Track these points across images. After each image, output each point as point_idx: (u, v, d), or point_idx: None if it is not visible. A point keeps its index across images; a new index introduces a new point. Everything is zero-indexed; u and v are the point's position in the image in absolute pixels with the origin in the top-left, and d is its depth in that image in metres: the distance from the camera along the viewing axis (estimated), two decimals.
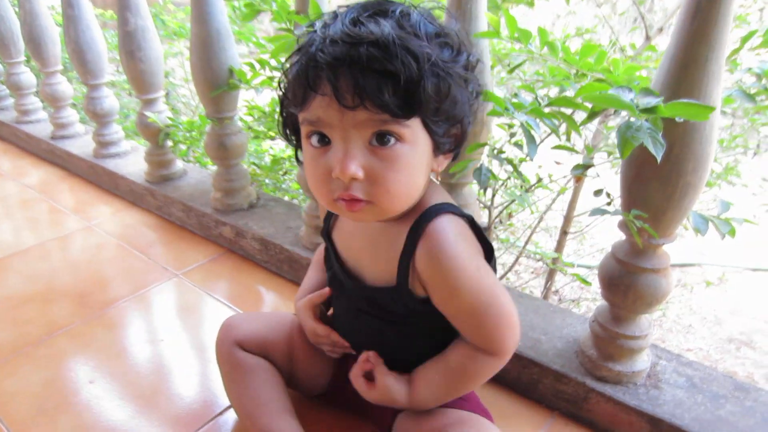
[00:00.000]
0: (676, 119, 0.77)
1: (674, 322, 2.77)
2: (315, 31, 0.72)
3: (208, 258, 1.67)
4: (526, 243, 1.99)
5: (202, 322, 1.38)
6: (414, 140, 0.72)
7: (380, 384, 0.89)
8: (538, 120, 0.84)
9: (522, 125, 0.85)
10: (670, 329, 2.73)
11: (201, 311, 1.43)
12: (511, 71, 1.32)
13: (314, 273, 1.08)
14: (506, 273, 2.00)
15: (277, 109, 0.85)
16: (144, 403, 1.12)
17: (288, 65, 0.77)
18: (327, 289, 0.98)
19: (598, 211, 0.90)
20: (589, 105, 0.86)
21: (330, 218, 0.97)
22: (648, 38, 1.85)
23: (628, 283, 0.95)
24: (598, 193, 1.01)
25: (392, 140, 0.71)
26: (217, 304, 1.45)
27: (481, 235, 0.84)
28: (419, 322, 0.88)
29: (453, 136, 0.79)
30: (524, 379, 1.12)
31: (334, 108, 0.69)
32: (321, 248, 1.07)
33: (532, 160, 0.91)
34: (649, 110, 0.69)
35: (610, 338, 1.02)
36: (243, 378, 1.00)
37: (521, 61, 1.25)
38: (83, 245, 1.77)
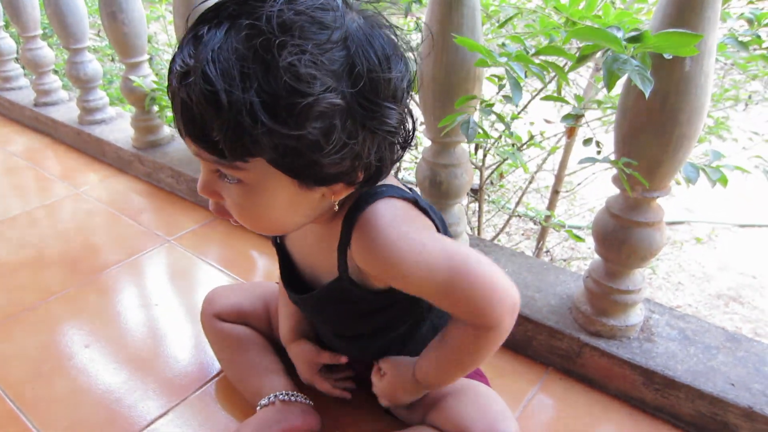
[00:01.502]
0: (665, 56, 0.76)
1: (664, 280, 2.80)
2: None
3: (200, 223, 1.66)
4: (517, 204, 1.99)
5: (195, 287, 1.38)
6: (257, 183, 0.62)
7: (388, 365, 0.88)
8: (522, 66, 0.83)
9: (508, 72, 0.84)
10: (660, 287, 2.76)
11: (194, 276, 1.43)
12: (502, 26, 1.31)
13: (290, 310, 1.00)
14: (497, 235, 2.00)
15: None
16: (139, 367, 1.12)
17: None
18: (344, 358, 0.94)
19: (588, 160, 0.89)
20: (576, 56, 0.85)
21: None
22: None
23: (622, 237, 0.95)
24: (587, 142, 1.01)
25: (233, 179, 0.62)
26: (209, 268, 1.45)
27: (426, 213, 0.75)
28: (385, 307, 0.82)
29: (335, 174, 0.63)
30: (518, 336, 1.13)
31: (188, 139, 0.61)
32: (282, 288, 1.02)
33: (516, 105, 0.91)
34: (634, 39, 0.67)
35: (604, 293, 1.03)
36: (228, 346, 1.03)
37: (511, 15, 1.23)
38: (72, 212, 1.75)
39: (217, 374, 1.10)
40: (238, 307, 1.07)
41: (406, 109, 0.65)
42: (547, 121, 1.71)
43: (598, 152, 0.95)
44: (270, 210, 0.65)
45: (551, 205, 1.84)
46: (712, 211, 3.26)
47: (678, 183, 1.05)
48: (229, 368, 1.04)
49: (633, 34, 0.69)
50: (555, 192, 1.82)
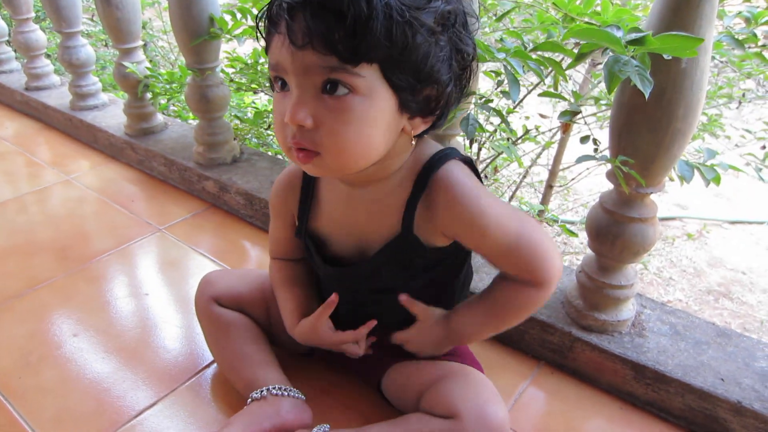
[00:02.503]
0: (665, 56, 0.75)
1: (655, 275, 2.81)
2: None
3: (192, 213, 1.65)
4: (511, 198, 1.99)
5: (186, 277, 1.37)
6: (369, 93, 0.66)
7: (423, 312, 0.87)
8: (520, 62, 0.82)
9: (506, 68, 0.83)
10: (651, 282, 2.78)
11: (185, 266, 1.42)
12: (499, 20, 1.30)
13: (291, 293, 0.99)
14: None
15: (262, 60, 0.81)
16: (129, 356, 1.12)
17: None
18: (334, 296, 0.89)
19: (585, 158, 0.89)
20: (575, 52, 0.84)
21: (306, 210, 0.91)
22: None
23: (615, 232, 0.95)
24: (584, 140, 1.00)
25: (344, 90, 0.66)
26: (201, 258, 1.44)
27: (478, 175, 0.83)
28: (434, 265, 0.86)
29: (426, 97, 0.71)
30: (510, 330, 1.12)
31: (287, 48, 0.65)
32: (279, 268, 1.02)
33: (514, 102, 0.90)
34: (635, 42, 0.67)
35: (597, 288, 1.02)
36: (223, 333, 1.00)
37: (508, 9, 1.22)
38: (62, 199, 1.73)
39: (208, 365, 1.09)
40: (236, 291, 1.04)
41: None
42: (542, 116, 1.71)
43: (596, 150, 0.95)
44: (371, 128, 0.68)
45: (545, 200, 1.84)
46: (704, 207, 3.28)
47: (671, 179, 1.04)
48: (221, 356, 1.02)
49: (633, 36, 0.68)
50: (549, 186, 1.82)
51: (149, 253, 1.47)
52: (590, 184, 2.68)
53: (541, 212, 1.75)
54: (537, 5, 1.12)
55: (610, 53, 0.70)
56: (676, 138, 0.85)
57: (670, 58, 0.77)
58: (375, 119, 0.68)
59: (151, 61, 3.28)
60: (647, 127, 0.85)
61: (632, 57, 0.69)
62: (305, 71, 0.65)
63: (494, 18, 1.34)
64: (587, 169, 1.80)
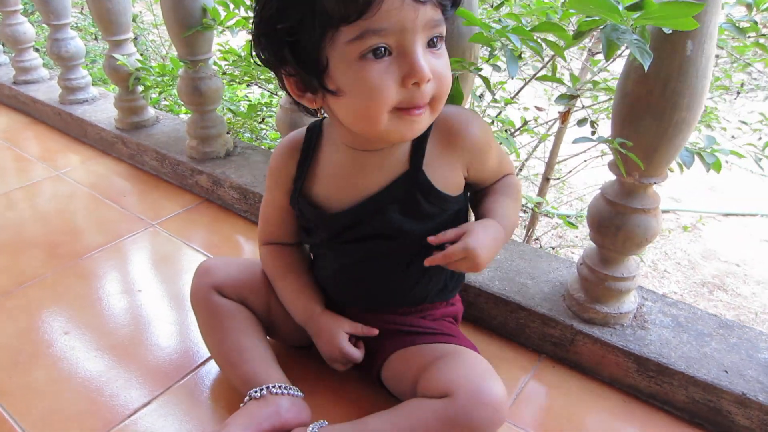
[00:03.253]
0: (664, 31, 0.73)
1: (650, 268, 2.81)
2: None
3: (185, 207, 1.62)
4: None
5: (180, 273, 1.34)
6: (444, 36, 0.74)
7: (459, 229, 0.81)
8: (519, 38, 0.80)
9: (504, 45, 0.82)
10: (646, 275, 2.77)
11: (179, 261, 1.39)
12: (497, 8, 1.27)
13: (291, 281, 0.99)
14: None
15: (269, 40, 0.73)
16: (122, 354, 1.09)
17: None
18: (375, 330, 0.94)
19: (583, 139, 0.87)
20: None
21: (303, 175, 0.90)
22: None
23: (618, 223, 0.94)
24: (582, 122, 0.98)
25: (440, 43, 0.72)
26: (195, 254, 1.41)
27: None
28: (438, 213, 0.87)
29: None
30: (511, 324, 1.11)
31: (410, 6, 0.65)
32: (273, 257, 1.00)
33: (512, 77, 0.88)
34: (635, 6, 0.64)
35: (598, 280, 1.01)
36: (222, 324, 0.97)
37: None
38: (52, 194, 1.70)
39: (203, 362, 1.07)
40: (238, 280, 1.00)
41: None
42: (539, 108, 1.69)
43: (593, 132, 0.93)
44: None
45: (542, 192, 1.82)
46: (698, 200, 3.28)
47: (671, 170, 1.03)
48: (218, 350, 0.98)
49: (633, 2, 0.66)
50: (546, 179, 1.80)
51: (141, 248, 1.44)
52: (585, 177, 2.67)
53: (539, 204, 1.74)
54: None
55: (609, 23, 0.68)
56: (680, 127, 0.83)
57: (671, 33, 0.75)
58: None
59: (142, 54, 3.24)
60: (651, 116, 0.83)
61: (631, 30, 0.67)
62: (425, 27, 0.68)
63: (491, 8, 1.32)
64: (585, 161, 1.79)
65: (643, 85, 0.82)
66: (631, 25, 0.66)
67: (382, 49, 0.67)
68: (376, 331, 0.93)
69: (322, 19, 0.66)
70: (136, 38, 3.30)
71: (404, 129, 0.74)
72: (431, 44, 0.70)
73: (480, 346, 1.00)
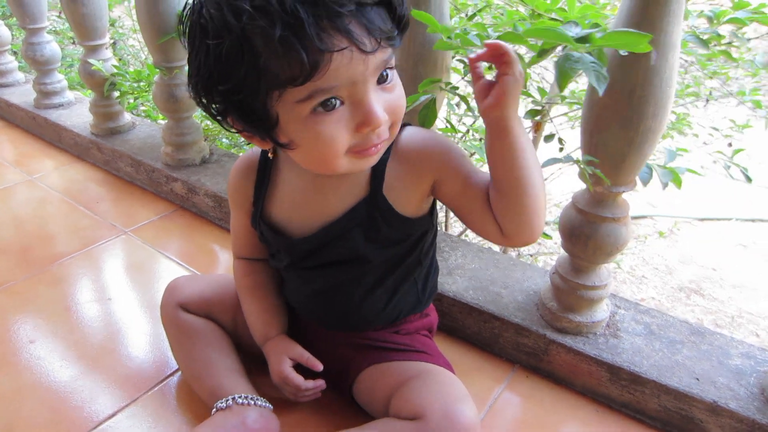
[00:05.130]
0: (621, 53, 0.74)
1: (628, 274, 2.82)
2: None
3: (159, 215, 1.60)
4: None
5: (152, 281, 1.32)
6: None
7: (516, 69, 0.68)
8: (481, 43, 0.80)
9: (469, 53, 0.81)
10: (624, 281, 2.79)
11: (151, 270, 1.37)
12: (471, 18, 1.27)
13: (257, 301, 0.97)
14: (465, 230, 1.98)
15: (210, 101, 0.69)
16: (90, 364, 1.07)
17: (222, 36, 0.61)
18: (319, 365, 0.90)
19: (551, 161, 0.87)
20: (538, 45, 0.82)
21: (262, 196, 0.88)
22: None
23: (588, 232, 0.94)
24: (549, 138, 0.98)
25: (390, 73, 0.69)
26: (168, 262, 1.39)
27: None
28: (401, 240, 0.86)
29: None
30: (485, 334, 1.11)
31: (358, 60, 0.62)
32: (244, 272, 0.99)
33: None
34: (582, 39, 0.65)
35: (571, 289, 1.01)
36: (189, 340, 0.97)
37: (480, 7, 1.21)
38: (25, 199, 1.67)
39: (172, 373, 1.05)
40: (203, 296, 1.01)
41: None
42: None
43: (561, 149, 0.93)
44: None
45: None
46: (674, 205, 3.31)
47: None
48: (186, 364, 0.99)
49: (585, 32, 0.66)
50: None
51: (114, 256, 1.42)
52: (563, 184, 2.69)
53: None
54: (508, 4, 1.11)
55: (563, 52, 0.68)
56: (647, 136, 0.83)
57: (626, 54, 0.76)
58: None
59: (120, 59, 3.21)
60: (618, 125, 0.83)
61: (589, 53, 0.67)
62: (374, 71, 0.66)
63: (465, 17, 1.32)
64: (559, 168, 1.79)
65: (609, 95, 0.82)
66: (588, 49, 0.66)
67: (333, 100, 0.65)
68: (319, 367, 0.90)
69: (268, 80, 0.63)
70: (114, 43, 3.27)
71: (362, 164, 0.73)
72: (382, 79, 0.68)
73: (454, 357, 0.99)
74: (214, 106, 0.70)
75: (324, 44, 0.59)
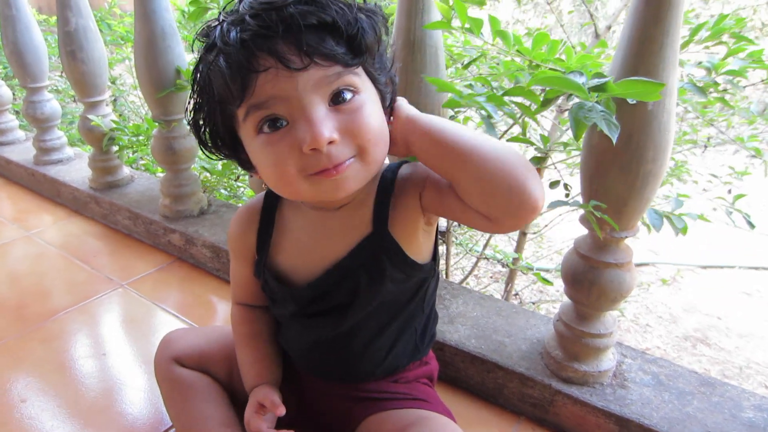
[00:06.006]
0: (629, 101, 0.74)
1: (632, 322, 2.79)
2: (217, 24, 0.68)
3: (157, 267, 1.59)
4: (485, 246, 1.97)
5: (148, 335, 1.30)
6: (365, 89, 0.70)
7: None
8: (495, 106, 0.81)
9: (480, 114, 0.82)
10: (628, 329, 2.75)
11: (148, 323, 1.35)
12: (466, 68, 1.30)
13: (252, 350, 0.95)
14: (466, 278, 1.97)
15: (198, 130, 0.76)
16: (83, 423, 1.04)
17: (197, 74, 0.72)
18: (282, 409, 0.86)
19: (557, 204, 0.87)
20: (541, 97, 0.83)
21: (266, 244, 0.88)
22: (597, 36, 1.85)
23: (591, 278, 0.92)
24: (554, 184, 0.98)
25: (349, 95, 0.68)
26: (165, 315, 1.37)
27: None
28: (402, 280, 0.82)
29: (388, 86, 0.76)
30: (489, 384, 1.08)
31: (285, 77, 0.64)
32: (242, 319, 0.97)
33: None
34: (598, 88, 0.66)
35: (575, 337, 0.99)
36: (182, 395, 0.95)
37: (475, 57, 1.23)
38: (21, 256, 1.66)
39: (166, 430, 1.02)
40: (198, 350, 0.99)
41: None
42: None
43: (567, 195, 0.93)
44: (381, 117, 0.71)
45: (519, 247, 1.82)
46: (676, 252, 3.29)
47: (646, 225, 1.03)
48: (179, 420, 0.95)
49: (596, 81, 0.67)
50: (523, 234, 1.80)
51: (110, 310, 1.40)
52: (564, 230, 2.68)
53: (515, 260, 1.73)
54: (503, 54, 1.13)
55: (576, 99, 0.69)
56: (647, 180, 0.83)
57: (635, 102, 0.77)
58: (380, 112, 0.72)
59: (120, 115, 3.25)
60: (618, 170, 0.83)
61: (597, 102, 0.68)
62: (314, 88, 0.66)
63: (461, 66, 1.34)
64: (560, 215, 1.79)
65: (607, 141, 0.82)
66: (597, 98, 0.67)
67: (274, 120, 0.67)
68: (280, 411, 0.86)
69: (220, 104, 0.70)
70: (115, 100, 3.32)
71: (329, 189, 0.69)
72: (337, 100, 0.67)
73: (457, 408, 0.96)
74: (202, 134, 0.76)
75: (251, 65, 0.64)
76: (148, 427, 1.03)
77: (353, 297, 0.83)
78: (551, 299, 2.65)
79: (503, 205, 0.67)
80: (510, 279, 1.91)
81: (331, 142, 0.66)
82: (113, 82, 3.05)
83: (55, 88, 3.30)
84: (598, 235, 0.89)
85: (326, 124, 0.65)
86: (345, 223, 0.81)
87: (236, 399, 0.99)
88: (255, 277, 0.91)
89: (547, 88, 0.80)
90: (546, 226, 1.95)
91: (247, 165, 0.76)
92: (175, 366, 0.97)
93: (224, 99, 0.69)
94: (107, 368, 1.18)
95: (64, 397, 1.10)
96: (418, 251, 0.82)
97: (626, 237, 0.90)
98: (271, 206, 0.88)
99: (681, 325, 2.84)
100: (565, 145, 1.00)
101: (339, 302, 0.84)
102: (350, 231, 0.81)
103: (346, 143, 0.67)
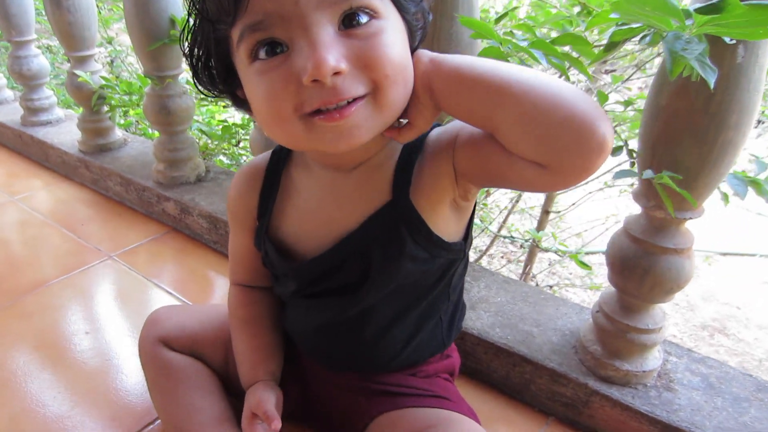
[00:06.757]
0: (726, 40, 0.60)
1: None
2: None
3: (149, 237, 1.46)
4: (502, 225, 1.84)
5: (137, 313, 1.18)
6: (388, 16, 0.56)
7: None
8: (544, 54, 0.67)
9: (523, 64, 0.68)
10: None
11: (138, 299, 1.23)
12: (498, 20, 1.15)
13: (250, 338, 0.84)
14: (481, 257, 1.84)
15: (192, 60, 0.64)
16: (57, 413, 0.92)
17: None
18: (277, 423, 0.74)
19: (624, 174, 0.73)
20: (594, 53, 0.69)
21: (269, 208, 0.76)
22: None
23: (646, 266, 0.79)
24: (616, 150, 0.84)
25: (365, 18, 0.54)
26: (156, 290, 1.25)
27: None
28: (425, 260, 0.69)
29: (420, 20, 0.62)
30: (514, 379, 0.96)
31: None
32: (240, 302, 0.86)
33: None
34: (709, 10, 0.50)
35: (619, 332, 0.86)
36: (170, 382, 0.82)
37: (507, 10, 1.08)
38: (4, 223, 1.54)
39: (152, 421, 0.91)
40: (190, 330, 0.87)
41: None
42: None
43: (633, 164, 0.79)
44: (405, 52, 0.58)
45: (541, 226, 1.69)
46: (695, 238, 3.18)
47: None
48: (166, 412, 0.83)
49: (701, 4, 0.52)
50: (545, 212, 1.67)
51: (96, 283, 1.28)
52: (580, 212, 2.56)
53: (535, 241, 1.60)
54: (542, 4, 0.98)
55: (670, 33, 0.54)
56: (725, 150, 0.70)
57: (732, 41, 0.62)
58: (404, 45, 0.58)
59: (117, 78, 3.11)
60: (691, 137, 0.69)
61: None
62: (319, 4, 0.52)
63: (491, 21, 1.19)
64: (589, 192, 1.66)
65: (681, 99, 0.68)
66: (694, 32, 0.53)
67: (273, 45, 0.54)
68: (275, 426, 0.73)
69: (212, 24, 0.58)
70: (112, 62, 3.18)
71: (330, 138, 0.56)
72: (349, 23, 0.54)
73: (477, 404, 0.84)
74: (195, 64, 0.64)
75: None
76: (131, 420, 0.91)
77: (364, 277, 0.70)
78: (568, 283, 2.54)
79: (561, 142, 0.51)
80: (529, 260, 1.78)
81: (337, 73, 0.52)
82: (110, 42, 2.89)
83: (47, 45, 3.14)
84: (658, 215, 0.75)
85: (332, 49, 0.52)
86: (360, 188, 0.68)
87: (232, 388, 0.87)
88: (256, 249, 0.79)
89: (611, 31, 0.66)
90: (574, 204, 1.81)
91: (242, 104, 0.64)
92: (162, 348, 0.85)
93: (215, 17, 0.57)
94: (88, 349, 1.07)
95: (43, 379, 0.98)
96: (446, 228, 0.69)
97: (689, 218, 0.77)
98: (277, 165, 0.75)
99: (699, 313, 2.74)
100: (627, 103, 0.86)
101: (347, 282, 0.72)
102: (365, 197, 0.68)
103: (356, 76, 0.54)
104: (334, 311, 0.75)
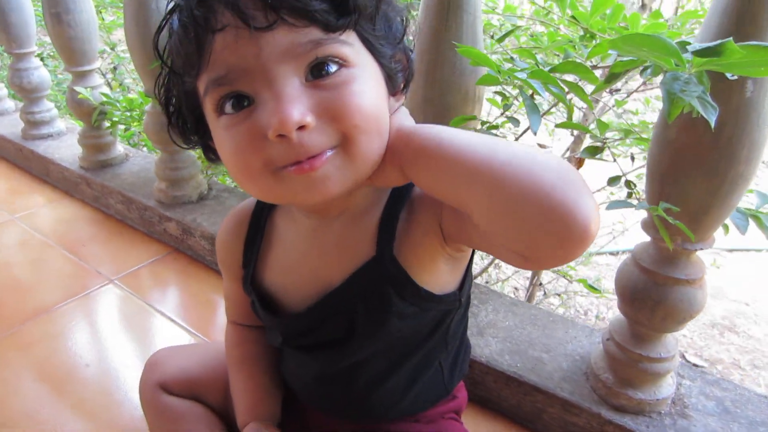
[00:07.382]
0: (728, 76, 0.58)
1: None
2: None
3: (150, 259, 1.45)
4: None
5: (139, 342, 1.17)
6: (360, 63, 0.54)
7: None
8: (542, 84, 0.65)
9: (522, 92, 0.66)
10: None
11: (139, 327, 1.21)
12: (500, 41, 1.13)
13: (246, 378, 0.81)
14: (488, 266, 1.82)
15: (165, 110, 0.62)
16: None
17: (157, 37, 0.57)
18: None
19: (619, 204, 0.71)
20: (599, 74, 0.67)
21: (253, 257, 0.73)
22: (644, 6, 1.66)
23: (656, 297, 0.77)
24: (614, 181, 0.82)
25: (334, 67, 0.51)
26: (158, 318, 1.23)
27: None
28: (413, 315, 0.66)
29: (400, 62, 0.60)
30: (525, 408, 0.94)
31: (246, 40, 0.49)
32: (237, 342, 0.84)
33: (535, 134, 0.72)
34: (706, 52, 0.48)
35: (630, 361, 0.84)
36: (170, 426, 0.81)
37: (512, 28, 1.06)
38: (3, 245, 1.52)
39: None
40: (188, 373, 0.86)
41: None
42: (542, 146, 1.54)
43: (630, 194, 0.77)
44: (379, 101, 0.55)
45: None
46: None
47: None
48: None
49: (699, 46, 0.50)
50: None
51: (96, 311, 1.26)
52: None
53: None
54: (551, 23, 0.96)
55: (669, 72, 0.52)
56: (736, 184, 0.67)
57: (734, 77, 0.60)
58: (378, 93, 0.55)
59: (120, 85, 3.09)
60: (701, 171, 0.67)
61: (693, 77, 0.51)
62: (283, 56, 0.50)
63: (494, 39, 1.17)
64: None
65: (690, 134, 0.66)
66: (691, 70, 0.50)
67: (239, 98, 0.52)
68: None
69: (180, 77, 0.56)
70: (115, 68, 3.15)
71: (301, 190, 0.53)
72: (318, 73, 0.51)
73: None
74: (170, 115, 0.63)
75: (208, 23, 0.50)
76: None
77: (350, 333, 0.67)
78: (577, 291, 2.52)
79: (538, 235, 0.46)
80: (536, 271, 1.76)
81: (302, 127, 0.49)
82: (113, 48, 2.88)
83: (49, 54, 3.13)
84: (669, 247, 0.73)
85: (297, 103, 0.49)
86: (344, 239, 0.65)
87: (233, 428, 0.85)
88: (246, 294, 0.77)
89: (611, 62, 0.64)
90: None
91: (216, 155, 0.61)
92: (162, 393, 0.83)
93: (181, 70, 0.55)
94: (90, 382, 1.05)
95: (36, 419, 0.97)
96: (437, 280, 0.65)
97: (701, 249, 0.75)
98: (262, 212, 0.73)
99: (708, 311, 2.71)
100: (627, 132, 0.84)
101: (334, 337, 0.69)
102: (349, 251, 0.65)
103: (324, 129, 0.51)
104: (324, 364, 0.73)
